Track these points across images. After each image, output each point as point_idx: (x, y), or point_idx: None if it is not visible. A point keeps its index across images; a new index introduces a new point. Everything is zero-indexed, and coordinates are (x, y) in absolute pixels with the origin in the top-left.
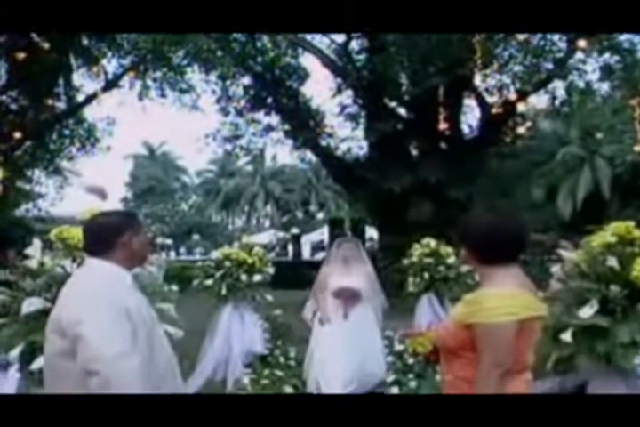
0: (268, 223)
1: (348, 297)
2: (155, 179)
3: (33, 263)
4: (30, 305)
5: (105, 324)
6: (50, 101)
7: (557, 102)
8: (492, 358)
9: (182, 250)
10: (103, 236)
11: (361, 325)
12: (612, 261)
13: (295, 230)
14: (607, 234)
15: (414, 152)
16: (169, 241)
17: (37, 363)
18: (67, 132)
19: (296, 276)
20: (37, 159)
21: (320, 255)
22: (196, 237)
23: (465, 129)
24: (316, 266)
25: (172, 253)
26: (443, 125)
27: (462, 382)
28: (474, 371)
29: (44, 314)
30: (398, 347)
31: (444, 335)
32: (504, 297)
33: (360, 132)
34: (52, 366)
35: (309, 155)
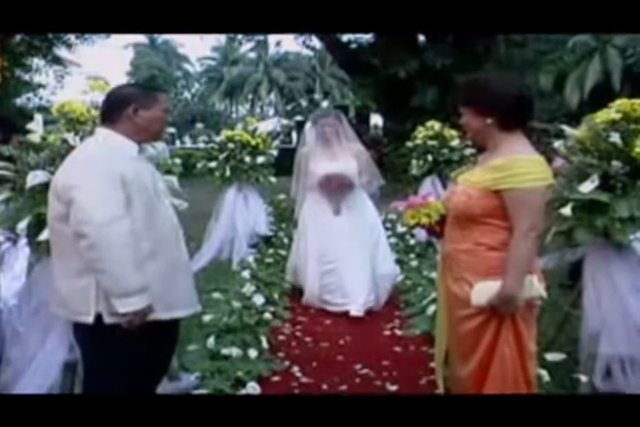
0: (272, 111)
1: (337, 186)
2: (156, 67)
3: (35, 138)
4: (35, 178)
5: (97, 189)
6: None
7: None
8: (529, 222)
9: (186, 139)
10: (111, 106)
11: (358, 219)
12: (615, 138)
13: (299, 118)
14: (612, 111)
15: (420, 37)
16: (172, 130)
17: (44, 235)
18: None
19: None
20: (35, 47)
21: None
22: (199, 125)
23: None
24: None
25: (177, 142)
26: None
27: (485, 248)
28: (499, 238)
29: (48, 187)
30: (400, 229)
31: (467, 203)
32: (535, 163)
33: None
34: (52, 229)
35: (314, 40)
